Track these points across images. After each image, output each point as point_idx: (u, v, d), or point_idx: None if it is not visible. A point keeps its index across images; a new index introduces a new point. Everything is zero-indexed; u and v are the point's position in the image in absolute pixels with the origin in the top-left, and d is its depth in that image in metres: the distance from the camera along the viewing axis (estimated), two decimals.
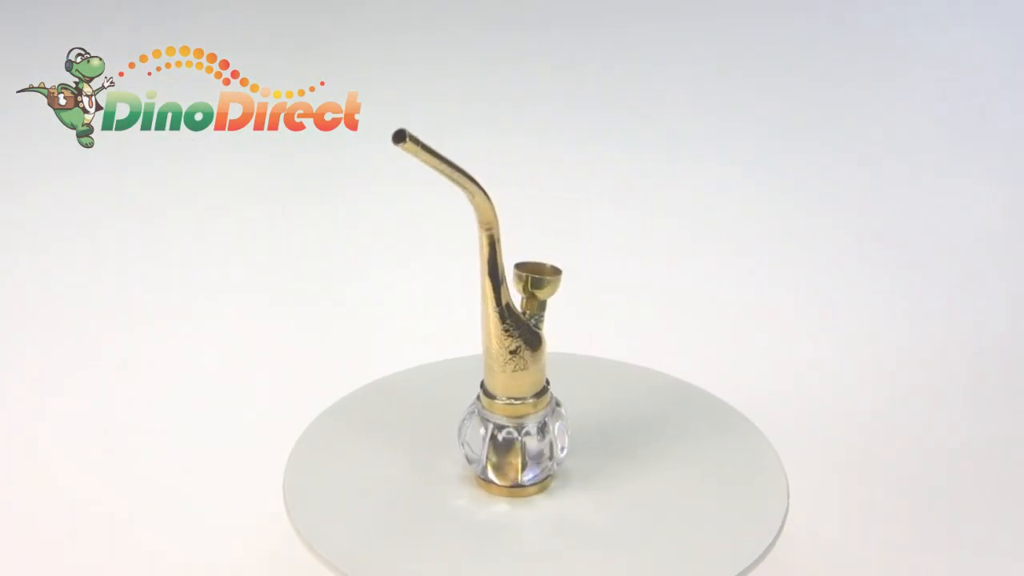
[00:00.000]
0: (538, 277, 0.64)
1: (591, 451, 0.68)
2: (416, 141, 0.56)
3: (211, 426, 0.90)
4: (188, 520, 0.79)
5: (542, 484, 0.65)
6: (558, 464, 0.66)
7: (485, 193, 0.60)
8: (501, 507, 0.64)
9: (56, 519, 0.80)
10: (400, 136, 0.56)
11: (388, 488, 0.66)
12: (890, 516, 0.81)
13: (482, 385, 0.65)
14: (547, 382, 0.65)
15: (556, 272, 0.64)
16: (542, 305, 0.65)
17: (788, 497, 0.64)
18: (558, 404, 0.66)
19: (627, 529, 0.62)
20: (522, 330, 0.63)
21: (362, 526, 0.63)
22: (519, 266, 0.65)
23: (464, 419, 0.66)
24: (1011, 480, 0.85)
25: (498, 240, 0.61)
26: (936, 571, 0.77)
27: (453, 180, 0.58)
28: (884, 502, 0.82)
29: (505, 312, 0.62)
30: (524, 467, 0.64)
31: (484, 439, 0.64)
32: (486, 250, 0.61)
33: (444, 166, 0.58)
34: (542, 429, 0.64)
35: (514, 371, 0.63)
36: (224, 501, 0.81)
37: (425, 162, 0.57)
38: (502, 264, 0.62)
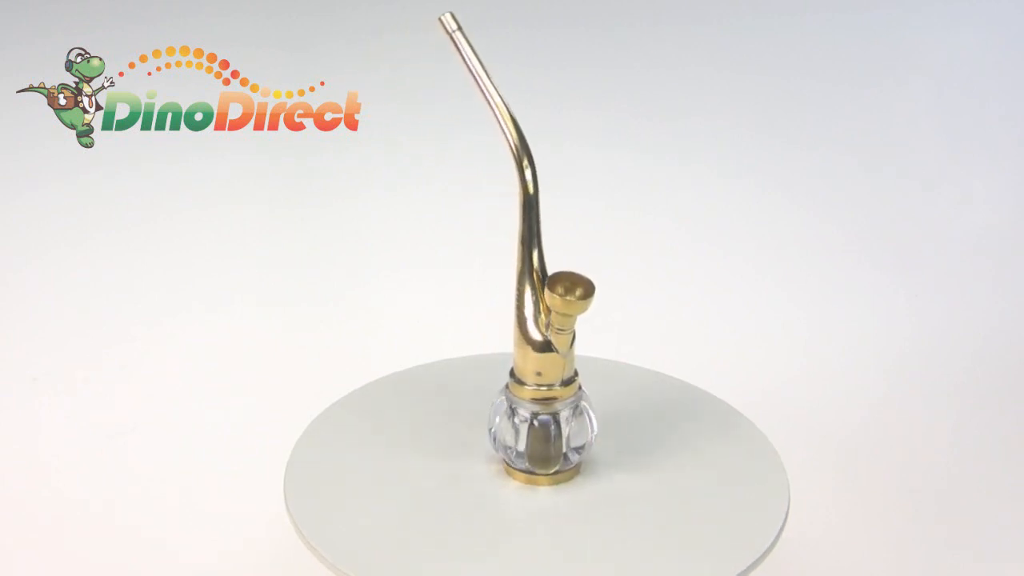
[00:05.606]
0: (567, 299, 0.59)
1: (590, 452, 0.68)
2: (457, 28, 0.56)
3: (212, 426, 0.90)
4: (189, 520, 0.79)
5: (572, 472, 0.65)
6: (584, 452, 0.66)
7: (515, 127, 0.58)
8: (516, 494, 0.64)
9: (56, 519, 0.80)
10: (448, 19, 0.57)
11: (392, 485, 0.65)
12: (890, 516, 0.81)
13: (511, 373, 0.64)
14: (576, 372, 0.64)
15: (586, 295, 0.59)
16: (567, 319, 0.62)
17: (789, 497, 0.64)
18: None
19: (627, 529, 0.62)
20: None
21: (365, 524, 0.62)
22: (553, 278, 0.60)
23: (493, 408, 0.65)
24: (1011, 480, 0.85)
25: (527, 198, 0.61)
26: (936, 571, 0.77)
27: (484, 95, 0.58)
28: (884, 502, 0.82)
29: (527, 280, 0.61)
30: (558, 453, 0.64)
31: (515, 426, 0.64)
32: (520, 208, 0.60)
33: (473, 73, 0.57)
34: (575, 414, 0.64)
35: (518, 346, 0.62)
36: (225, 501, 0.81)
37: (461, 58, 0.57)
38: (535, 227, 0.61)
